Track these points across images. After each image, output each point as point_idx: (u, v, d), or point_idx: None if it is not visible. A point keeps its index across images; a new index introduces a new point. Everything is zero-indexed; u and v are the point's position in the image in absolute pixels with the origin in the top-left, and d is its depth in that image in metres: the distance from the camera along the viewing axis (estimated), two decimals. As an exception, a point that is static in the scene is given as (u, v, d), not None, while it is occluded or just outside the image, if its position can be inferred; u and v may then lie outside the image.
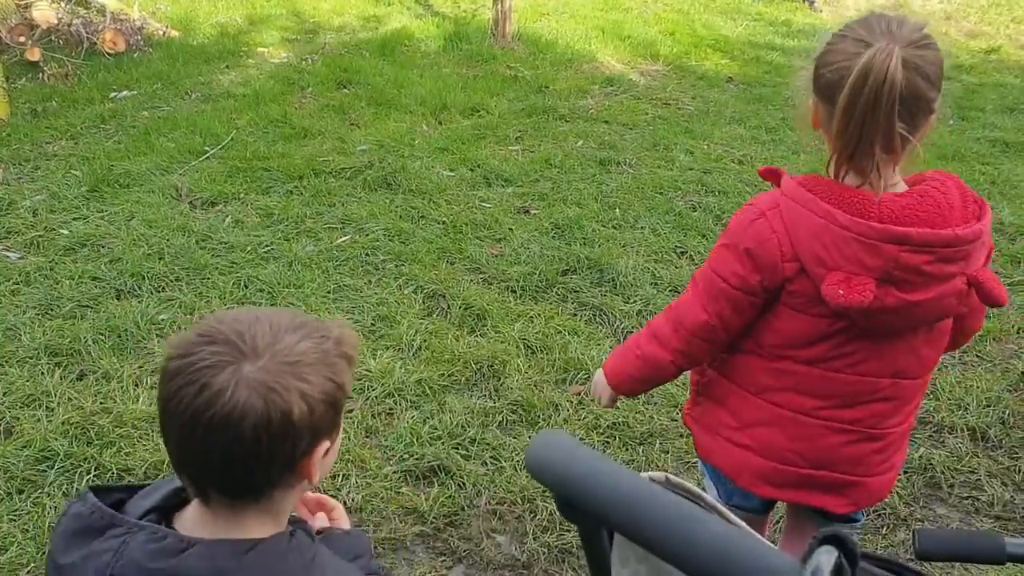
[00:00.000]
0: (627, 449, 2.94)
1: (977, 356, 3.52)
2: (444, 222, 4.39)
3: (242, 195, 4.61)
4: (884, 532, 2.65)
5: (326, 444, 1.14)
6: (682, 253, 4.21)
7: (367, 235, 4.22)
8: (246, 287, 3.74)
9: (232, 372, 1.04)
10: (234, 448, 1.05)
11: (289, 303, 3.61)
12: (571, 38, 7.75)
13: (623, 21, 8.40)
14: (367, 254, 4.07)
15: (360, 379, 3.18)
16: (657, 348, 1.83)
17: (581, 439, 2.97)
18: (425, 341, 3.42)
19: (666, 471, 2.84)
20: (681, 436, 2.96)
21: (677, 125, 6.01)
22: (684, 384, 2.96)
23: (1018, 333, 3.67)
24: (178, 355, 1.07)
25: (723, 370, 1.82)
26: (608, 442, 2.97)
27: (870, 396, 1.68)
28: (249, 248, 4.06)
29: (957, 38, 8.83)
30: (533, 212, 4.57)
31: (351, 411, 3.04)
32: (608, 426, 3.02)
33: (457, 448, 2.90)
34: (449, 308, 3.66)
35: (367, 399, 3.10)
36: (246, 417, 1.03)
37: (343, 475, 2.75)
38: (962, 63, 7.89)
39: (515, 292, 3.81)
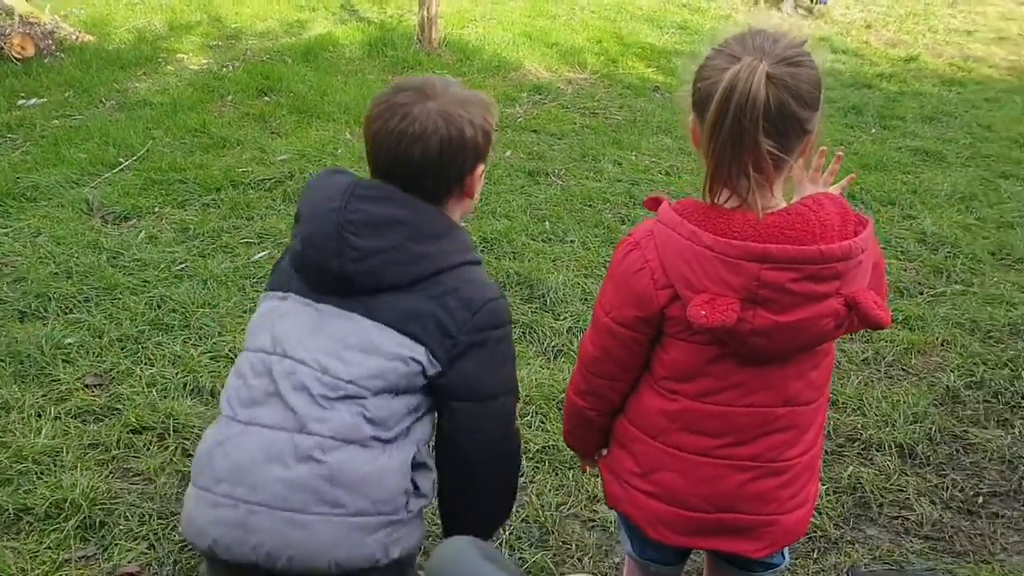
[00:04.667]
0: (557, 474, 2.86)
1: (903, 370, 3.52)
2: (368, 236, 4.26)
3: (157, 209, 4.44)
4: (815, 556, 2.61)
5: (482, 167, 1.67)
6: (611, 267, 4.15)
7: (288, 251, 4.08)
8: (159, 307, 3.57)
9: (422, 106, 1.58)
10: (425, 156, 1.57)
11: (203, 324, 3.44)
12: (498, 45, 7.68)
13: (550, 28, 8.37)
14: (288, 271, 3.92)
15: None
16: (572, 394, 1.79)
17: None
18: (348, 363, 3.30)
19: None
20: (611, 459, 2.89)
21: (605, 135, 5.97)
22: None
23: (942, 346, 3.69)
24: (381, 101, 1.61)
25: (625, 413, 1.75)
26: (538, 467, 2.89)
27: (766, 428, 1.61)
28: (163, 265, 3.89)
29: (877, 47, 9.01)
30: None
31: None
32: (537, 451, 2.94)
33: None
34: (373, 327, 3.54)
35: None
36: (435, 133, 1.57)
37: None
38: (883, 72, 8.03)
39: (442, 309, 3.70)
